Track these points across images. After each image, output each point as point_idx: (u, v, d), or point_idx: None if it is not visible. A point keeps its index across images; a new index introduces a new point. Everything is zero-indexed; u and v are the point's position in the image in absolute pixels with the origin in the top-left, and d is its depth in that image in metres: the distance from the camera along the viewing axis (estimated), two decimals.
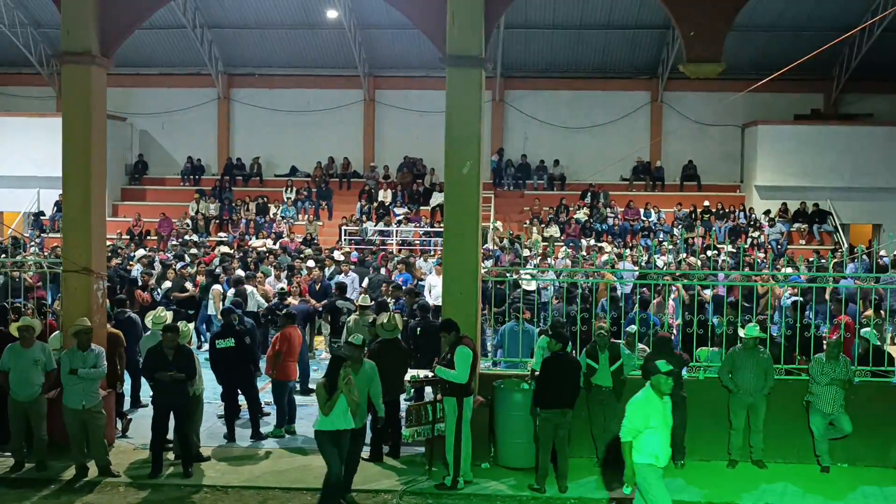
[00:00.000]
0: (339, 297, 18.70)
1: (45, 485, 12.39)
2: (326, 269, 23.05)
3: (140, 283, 21.35)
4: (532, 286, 19.17)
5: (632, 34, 34.22)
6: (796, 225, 32.21)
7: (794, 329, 14.30)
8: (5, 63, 36.75)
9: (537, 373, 13.23)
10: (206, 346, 20.50)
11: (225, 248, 27.98)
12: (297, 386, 16.12)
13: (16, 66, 36.51)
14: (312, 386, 17.56)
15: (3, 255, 22.04)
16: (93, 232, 13.92)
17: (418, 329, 15.63)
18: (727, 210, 32.92)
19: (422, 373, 13.79)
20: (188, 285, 21.32)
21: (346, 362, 11.17)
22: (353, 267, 22.83)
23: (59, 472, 12.79)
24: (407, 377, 13.62)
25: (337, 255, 25.90)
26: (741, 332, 13.42)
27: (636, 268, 22.93)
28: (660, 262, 24.66)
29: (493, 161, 35.17)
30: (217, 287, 20.55)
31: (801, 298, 17.03)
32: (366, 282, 21.70)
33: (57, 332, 14.33)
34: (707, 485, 12.60)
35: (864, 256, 26.02)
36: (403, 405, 13.79)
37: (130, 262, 24.60)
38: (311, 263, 23.56)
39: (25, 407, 12.77)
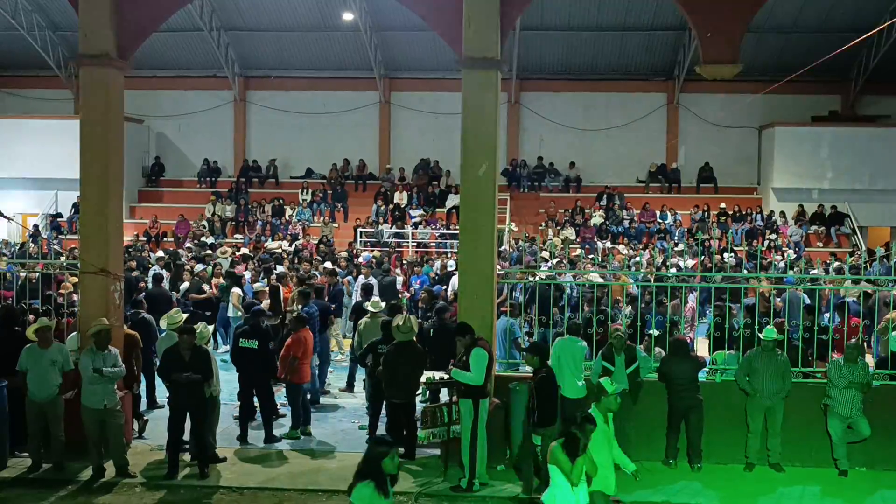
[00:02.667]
0: (365, 299, 18.62)
1: (62, 485, 12.44)
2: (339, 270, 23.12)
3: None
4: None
5: (648, 36, 34.14)
6: (813, 227, 32.07)
7: (810, 332, 14.23)
8: (24, 66, 36.91)
9: None
10: (222, 348, 20.63)
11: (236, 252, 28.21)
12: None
13: (34, 69, 36.66)
14: (328, 388, 17.71)
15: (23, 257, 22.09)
16: (110, 233, 14.00)
17: (431, 330, 15.63)
18: (744, 212, 32.80)
19: (437, 375, 13.80)
20: (205, 287, 21.39)
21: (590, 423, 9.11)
22: (371, 269, 22.83)
23: (77, 472, 12.84)
24: (422, 379, 13.63)
25: (363, 257, 25.91)
26: (760, 335, 13.35)
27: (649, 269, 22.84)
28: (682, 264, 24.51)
29: (507, 168, 35.14)
30: (237, 289, 20.58)
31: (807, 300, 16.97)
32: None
33: (74, 332, 14.39)
34: (724, 488, 12.57)
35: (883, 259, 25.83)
36: (419, 407, 13.79)
37: (149, 263, 24.68)
38: (328, 265, 23.67)
39: (43, 407, 12.83)
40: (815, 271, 21.94)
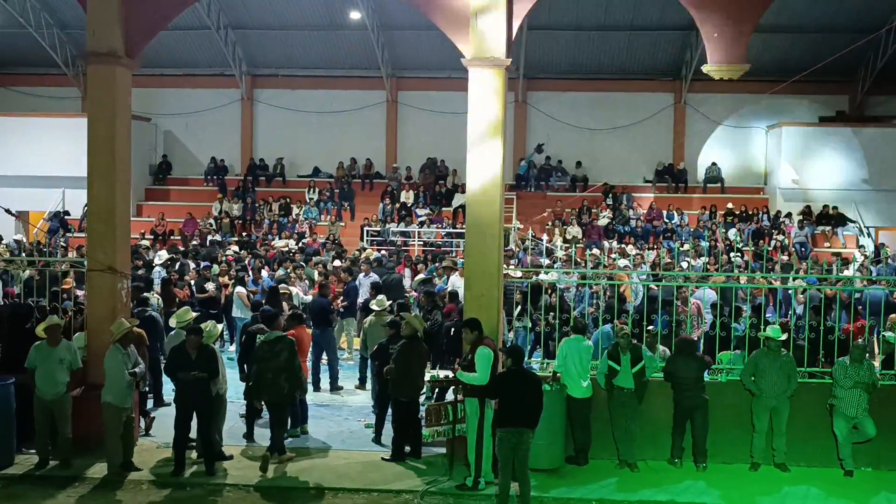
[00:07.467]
0: (374, 297, 18.56)
1: (69, 482, 12.50)
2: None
3: (171, 281, 21.18)
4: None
5: (655, 36, 34.10)
6: (820, 227, 32.01)
7: (816, 332, 14.22)
8: (31, 64, 36.99)
9: (559, 374, 13.27)
10: (227, 346, 20.65)
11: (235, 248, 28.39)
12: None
13: (42, 67, 36.74)
14: (342, 383, 17.76)
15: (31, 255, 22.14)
16: (117, 231, 14.05)
17: (452, 330, 15.59)
18: (750, 212, 32.75)
19: (441, 373, 13.83)
20: (209, 285, 21.31)
21: None
22: (372, 268, 22.82)
23: (83, 469, 12.88)
24: (426, 377, 13.67)
25: (374, 254, 25.86)
26: (768, 332, 13.32)
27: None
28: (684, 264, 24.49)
29: (523, 167, 35.24)
30: (241, 289, 20.58)
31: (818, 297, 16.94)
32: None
33: (80, 331, 14.42)
34: (729, 487, 12.58)
35: (889, 259, 25.83)
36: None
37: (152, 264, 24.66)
38: (337, 263, 23.71)
39: (50, 405, 12.89)
40: (848, 272, 21.72)
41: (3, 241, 27.30)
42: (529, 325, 17.05)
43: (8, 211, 16.31)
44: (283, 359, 13.15)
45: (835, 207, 32.28)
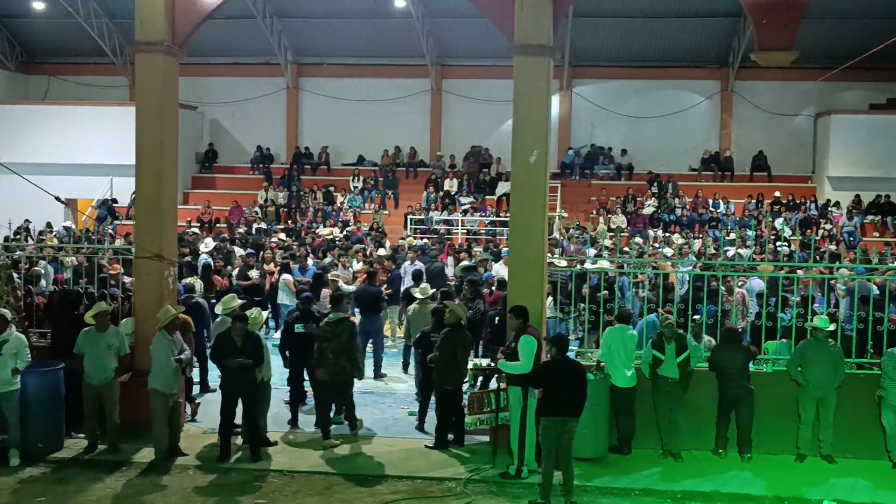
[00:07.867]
0: (416, 285, 18.47)
1: (117, 466, 12.65)
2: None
3: (214, 268, 21.30)
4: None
5: (702, 22, 33.78)
6: (869, 217, 31.58)
7: (865, 322, 14.03)
8: (80, 53, 37.49)
9: (603, 364, 13.23)
10: (272, 334, 20.76)
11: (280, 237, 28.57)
12: None
13: (90, 56, 37.22)
14: (385, 371, 17.85)
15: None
16: (164, 219, 14.20)
17: (496, 318, 15.58)
18: (798, 201, 32.38)
19: (484, 361, 13.82)
20: (252, 273, 21.33)
21: None
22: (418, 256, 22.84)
23: (131, 454, 13.03)
24: (469, 365, 13.67)
25: (414, 242, 25.88)
26: (816, 321, 13.17)
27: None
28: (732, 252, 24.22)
29: (570, 156, 35.15)
30: (288, 276, 20.68)
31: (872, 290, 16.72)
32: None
33: (128, 318, 14.57)
34: (774, 478, 12.46)
35: None
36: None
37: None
38: (382, 252, 23.74)
39: (99, 390, 13.05)
40: None
41: (53, 229, 27.68)
42: (561, 315, 16.96)
43: (58, 199, 16.40)
44: (343, 339, 13.49)
45: (886, 196, 31.83)
